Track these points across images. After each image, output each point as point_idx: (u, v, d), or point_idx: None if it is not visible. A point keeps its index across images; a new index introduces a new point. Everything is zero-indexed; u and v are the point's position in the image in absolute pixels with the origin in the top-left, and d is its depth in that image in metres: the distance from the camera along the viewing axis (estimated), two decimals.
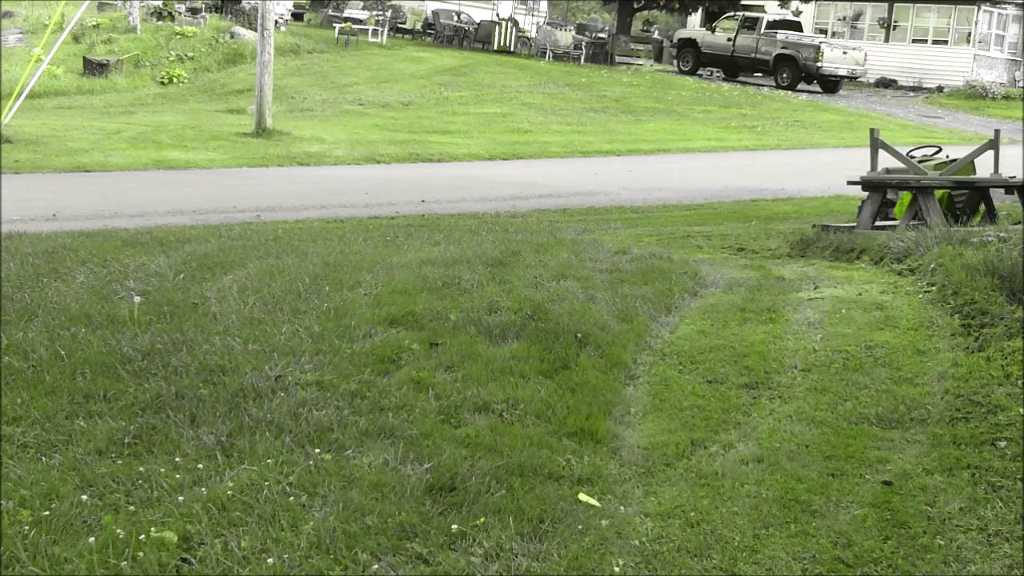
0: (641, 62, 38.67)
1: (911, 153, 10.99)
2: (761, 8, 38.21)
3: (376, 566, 3.67)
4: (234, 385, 5.19)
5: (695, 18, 44.03)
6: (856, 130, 24.31)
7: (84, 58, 27.69)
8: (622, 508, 4.20)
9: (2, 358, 5.47)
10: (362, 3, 40.12)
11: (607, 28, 42.60)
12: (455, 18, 38.33)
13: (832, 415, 5.19)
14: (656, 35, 44.78)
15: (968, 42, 35.53)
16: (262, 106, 19.86)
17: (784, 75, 33.22)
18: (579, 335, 6.21)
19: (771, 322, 6.74)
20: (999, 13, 35.95)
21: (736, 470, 4.57)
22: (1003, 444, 4.77)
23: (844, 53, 33.21)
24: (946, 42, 36.10)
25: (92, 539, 3.66)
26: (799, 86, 33.07)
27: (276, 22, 29.05)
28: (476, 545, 3.86)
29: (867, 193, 10.45)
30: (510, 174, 17.49)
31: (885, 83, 36.14)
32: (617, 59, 37.61)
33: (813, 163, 19.99)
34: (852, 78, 34.13)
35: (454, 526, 3.93)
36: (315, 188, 15.20)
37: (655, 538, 4.01)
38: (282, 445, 4.56)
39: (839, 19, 38.64)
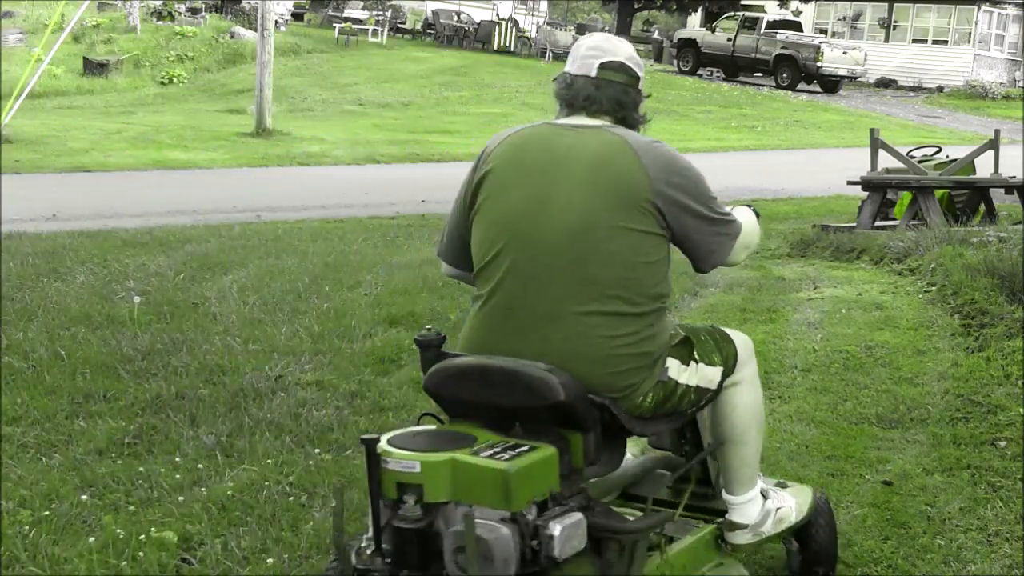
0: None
1: (911, 153, 10.99)
2: (761, 8, 38.20)
3: None
4: (234, 385, 5.19)
5: (695, 18, 44.04)
6: (856, 130, 24.30)
7: (84, 58, 27.69)
8: None
9: (2, 358, 5.47)
10: (362, 3, 40.12)
11: (607, 28, 42.60)
12: (455, 18, 38.32)
13: (832, 415, 5.19)
14: (656, 35, 44.78)
15: (968, 42, 35.54)
16: (262, 106, 19.85)
17: (784, 75, 33.21)
18: None
19: (771, 322, 6.75)
20: (999, 13, 35.96)
21: None
22: (1003, 444, 4.77)
23: (844, 53, 33.21)
24: (946, 42, 36.11)
25: (92, 539, 3.66)
26: (799, 86, 33.07)
27: (276, 22, 29.03)
28: None
29: (867, 193, 10.45)
30: None
31: (885, 83, 36.14)
32: None
33: (813, 163, 19.99)
34: (852, 78, 34.13)
35: None
36: (315, 188, 15.19)
37: None
38: (282, 445, 4.56)
39: (839, 19, 38.65)
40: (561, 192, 2.82)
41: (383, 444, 2.55)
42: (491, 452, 2.53)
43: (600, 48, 2.99)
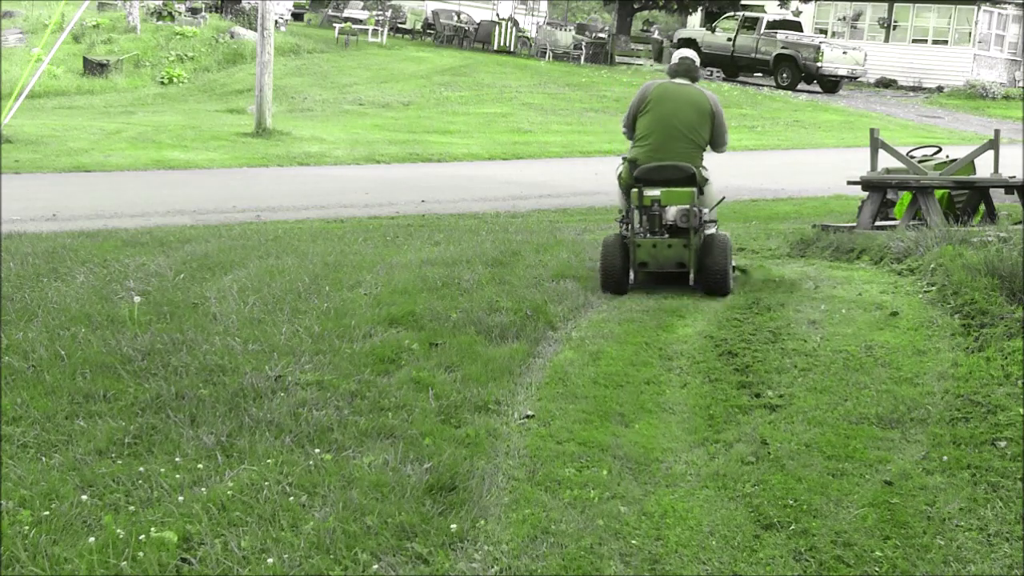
0: (641, 62, 38.67)
1: (911, 153, 10.98)
2: (761, 8, 38.19)
3: (376, 566, 3.68)
4: (234, 385, 5.19)
5: (695, 18, 44.03)
6: (856, 130, 24.31)
7: (84, 58, 27.69)
8: (621, 508, 4.21)
9: (2, 358, 5.47)
10: (362, 3, 40.11)
11: (607, 28, 42.57)
12: (455, 18, 38.31)
13: (832, 415, 5.20)
14: (656, 35, 44.77)
15: (968, 42, 35.53)
16: (262, 106, 19.85)
17: (784, 75, 33.20)
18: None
19: (771, 322, 6.74)
20: (999, 13, 35.95)
21: (736, 470, 4.58)
22: (1003, 444, 4.77)
23: (844, 53, 33.19)
24: (946, 42, 36.09)
25: (92, 539, 3.67)
26: (799, 86, 33.06)
27: (276, 22, 29.02)
28: (476, 545, 3.87)
29: (867, 193, 10.45)
30: (510, 174, 17.50)
31: (885, 83, 36.14)
32: (617, 59, 37.61)
33: (813, 163, 20.00)
34: (852, 78, 34.12)
35: (454, 526, 3.94)
36: (315, 188, 15.21)
37: (654, 538, 4.01)
38: (282, 445, 4.56)
39: (839, 19, 38.64)
40: (683, 108, 7.74)
41: (644, 191, 7.55)
42: (681, 190, 7.60)
43: (679, 53, 8.16)
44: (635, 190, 7.57)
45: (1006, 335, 5.93)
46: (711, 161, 7.98)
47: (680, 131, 7.67)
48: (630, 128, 7.95)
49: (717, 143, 7.91)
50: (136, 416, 4.83)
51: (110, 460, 4.38)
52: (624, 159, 7.91)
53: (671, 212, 7.48)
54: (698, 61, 8.03)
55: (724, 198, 7.95)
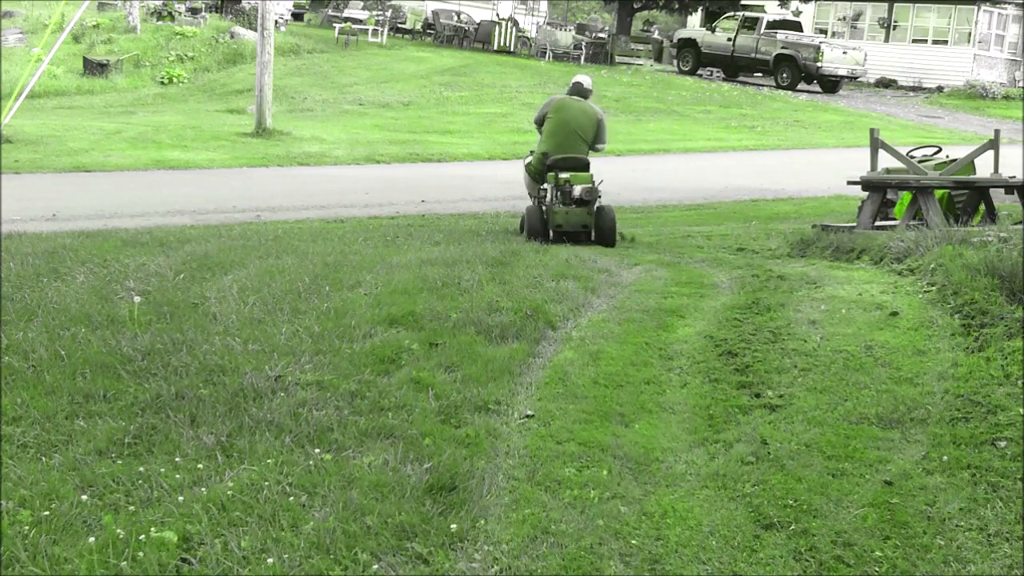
0: (641, 62, 38.67)
1: (911, 153, 10.98)
2: (761, 8, 38.18)
3: (376, 566, 3.68)
4: (234, 385, 5.19)
5: (695, 18, 44.03)
6: (856, 130, 24.30)
7: (84, 58, 27.68)
8: (621, 508, 4.21)
9: (2, 358, 5.47)
10: (362, 3, 40.11)
11: (607, 28, 42.56)
12: (455, 18, 38.30)
13: (832, 415, 5.19)
14: (656, 35, 44.76)
15: (968, 42, 35.52)
16: (262, 106, 19.85)
17: (784, 75, 33.19)
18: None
19: (771, 322, 6.74)
20: (999, 13, 35.94)
21: (736, 470, 4.58)
22: (1003, 444, 4.77)
23: (844, 53, 33.19)
24: (946, 42, 36.09)
25: (92, 539, 3.67)
26: (799, 86, 33.06)
27: (276, 22, 29.01)
28: (476, 545, 3.87)
29: (867, 193, 10.44)
30: (510, 174, 17.48)
31: (885, 83, 36.13)
32: (617, 59, 37.60)
33: (813, 163, 20.00)
34: (852, 78, 34.11)
35: (454, 526, 3.94)
36: (315, 188, 15.21)
37: (654, 538, 4.01)
38: (282, 445, 4.56)
39: (839, 19, 38.64)
40: (578, 116, 10.58)
41: (559, 174, 10.25)
42: (584, 174, 10.33)
43: (575, 79, 11.07)
44: (551, 173, 10.27)
45: (1006, 335, 5.93)
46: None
47: (576, 132, 10.45)
48: (539, 126, 10.76)
49: (597, 142, 10.60)
50: (136, 416, 4.83)
51: (110, 460, 4.38)
52: (532, 152, 10.82)
53: (578, 189, 10.12)
54: (588, 84, 10.91)
55: (603, 180, 10.41)
